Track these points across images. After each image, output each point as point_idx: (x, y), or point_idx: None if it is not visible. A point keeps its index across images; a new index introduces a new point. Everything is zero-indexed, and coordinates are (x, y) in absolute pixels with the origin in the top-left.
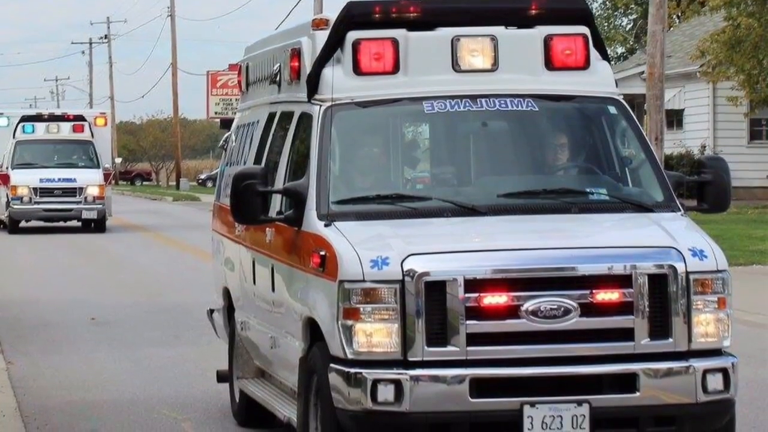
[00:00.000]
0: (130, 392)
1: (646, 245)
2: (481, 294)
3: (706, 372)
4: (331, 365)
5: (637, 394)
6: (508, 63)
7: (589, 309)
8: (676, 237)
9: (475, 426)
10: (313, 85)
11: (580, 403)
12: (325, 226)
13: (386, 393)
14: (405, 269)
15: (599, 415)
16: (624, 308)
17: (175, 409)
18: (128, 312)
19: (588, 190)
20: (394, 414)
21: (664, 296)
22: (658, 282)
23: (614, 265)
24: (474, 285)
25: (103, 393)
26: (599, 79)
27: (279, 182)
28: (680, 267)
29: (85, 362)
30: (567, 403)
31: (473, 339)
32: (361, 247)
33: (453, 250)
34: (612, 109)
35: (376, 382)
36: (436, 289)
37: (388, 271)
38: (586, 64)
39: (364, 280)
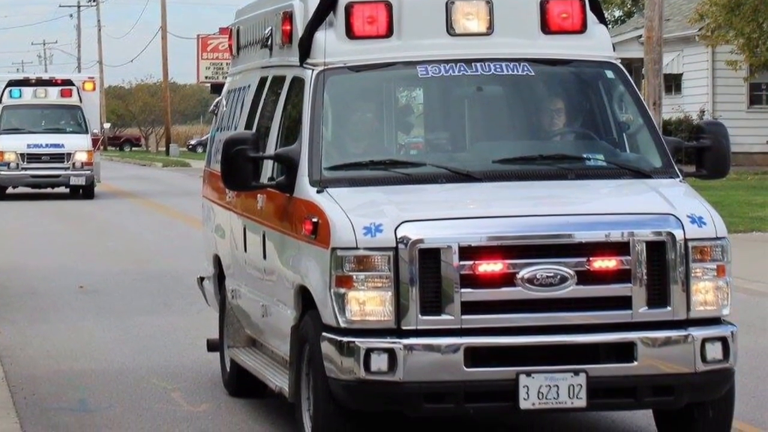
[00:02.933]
0: (119, 361)
1: (644, 212)
2: (476, 261)
3: (705, 341)
4: (324, 334)
5: (635, 363)
6: (503, 26)
7: (585, 277)
8: (675, 203)
9: (470, 396)
10: (305, 49)
11: (576, 372)
12: (318, 192)
13: (379, 362)
14: (398, 236)
15: (596, 385)
16: (621, 276)
17: (164, 378)
18: (117, 280)
19: (585, 155)
20: (387, 384)
21: (662, 264)
22: (656, 249)
23: (611, 232)
24: (469, 252)
25: (92, 362)
26: (596, 43)
27: (271, 148)
28: (678, 234)
29: (73, 331)
30: (563, 372)
31: (468, 307)
32: (354, 213)
33: (447, 216)
34: (609, 74)
35: (369, 351)
36: (430, 257)
37: (381, 239)
38: (582, 28)
39: (357, 248)
